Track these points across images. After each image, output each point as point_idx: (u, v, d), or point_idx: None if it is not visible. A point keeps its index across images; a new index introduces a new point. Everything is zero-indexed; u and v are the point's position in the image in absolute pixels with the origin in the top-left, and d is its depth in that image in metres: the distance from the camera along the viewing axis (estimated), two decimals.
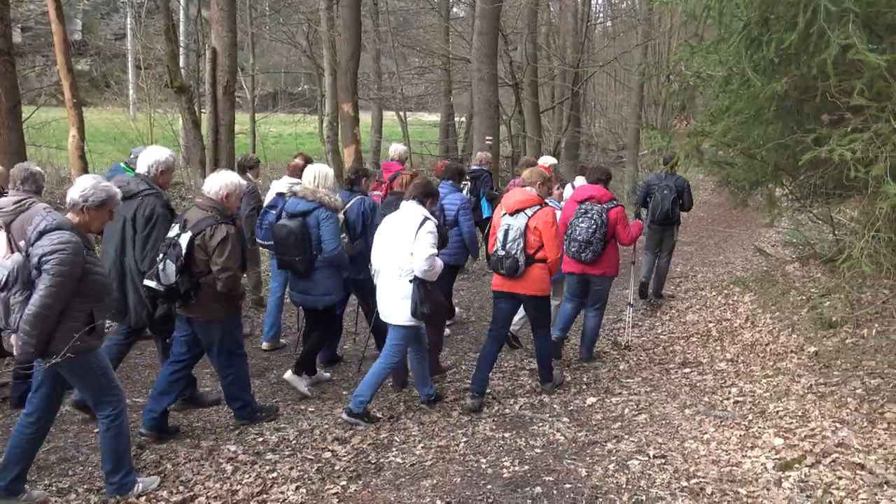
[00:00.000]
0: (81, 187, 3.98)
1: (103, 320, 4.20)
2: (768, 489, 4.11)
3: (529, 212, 5.44)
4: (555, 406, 5.67)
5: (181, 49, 16.17)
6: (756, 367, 6.16)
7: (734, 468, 4.41)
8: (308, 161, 6.92)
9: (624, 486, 4.25)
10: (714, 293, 9.11)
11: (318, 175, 5.70)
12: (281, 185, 6.69)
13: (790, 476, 4.22)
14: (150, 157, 5.23)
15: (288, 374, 5.91)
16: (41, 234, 3.84)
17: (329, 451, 4.89)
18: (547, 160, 9.09)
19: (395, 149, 9.04)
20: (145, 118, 15.30)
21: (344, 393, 6.00)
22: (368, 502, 4.20)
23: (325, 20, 15.91)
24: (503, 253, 5.46)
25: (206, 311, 4.85)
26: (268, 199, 6.80)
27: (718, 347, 6.91)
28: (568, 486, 4.29)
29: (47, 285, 3.75)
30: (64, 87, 9.84)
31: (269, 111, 24.12)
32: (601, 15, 27.97)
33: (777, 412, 5.15)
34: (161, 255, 4.71)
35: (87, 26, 31.69)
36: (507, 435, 5.10)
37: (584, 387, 6.12)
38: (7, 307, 3.86)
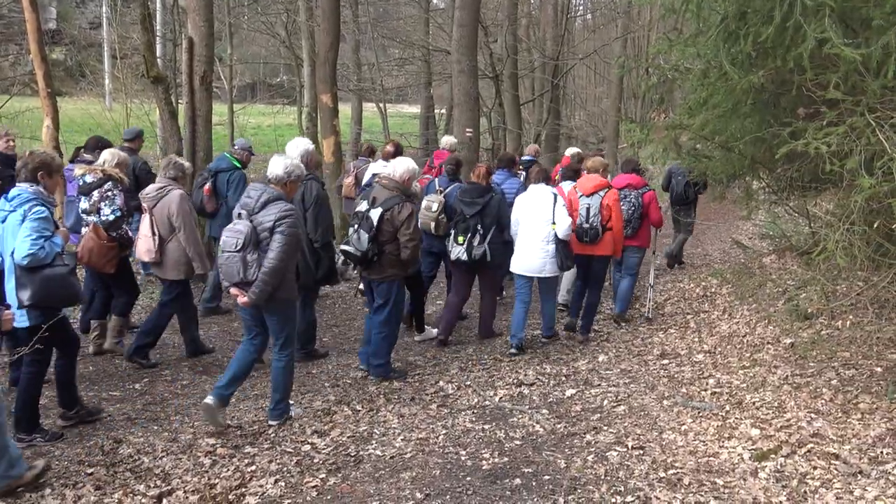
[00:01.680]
0: (284, 165, 4.93)
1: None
2: (745, 479, 4.15)
3: (602, 193, 6.97)
4: (534, 398, 5.69)
5: (158, 39, 15.96)
6: (733, 359, 6.22)
7: (711, 459, 4.45)
8: (398, 148, 8.50)
9: (602, 478, 4.27)
10: (692, 285, 9.19)
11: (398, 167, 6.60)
12: (377, 167, 7.96)
13: (766, 466, 4.27)
14: (300, 147, 6.29)
15: (417, 337, 7.36)
16: (265, 204, 4.76)
17: (308, 443, 4.87)
18: (572, 151, 10.65)
19: (447, 140, 10.32)
20: (121, 108, 15.11)
21: (326, 385, 5.99)
22: (348, 495, 4.19)
23: (304, 10, 15.79)
24: (587, 226, 6.91)
25: (384, 274, 5.84)
26: (366, 178, 8.06)
27: (696, 339, 6.97)
28: (547, 477, 4.31)
29: (283, 243, 4.70)
30: (38, 77, 9.69)
31: (248, 102, 23.91)
32: (581, 7, 28.04)
33: (754, 403, 5.20)
34: (355, 226, 5.73)
35: (61, 15, 31.21)
36: (486, 427, 5.11)
37: (564, 378, 6.15)
38: (245, 264, 4.67)
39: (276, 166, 4.91)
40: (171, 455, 4.65)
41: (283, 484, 4.30)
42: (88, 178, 6.18)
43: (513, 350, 6.76)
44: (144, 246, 6.14)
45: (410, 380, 6.15)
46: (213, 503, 4.09)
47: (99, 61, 23.34)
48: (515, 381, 6.06)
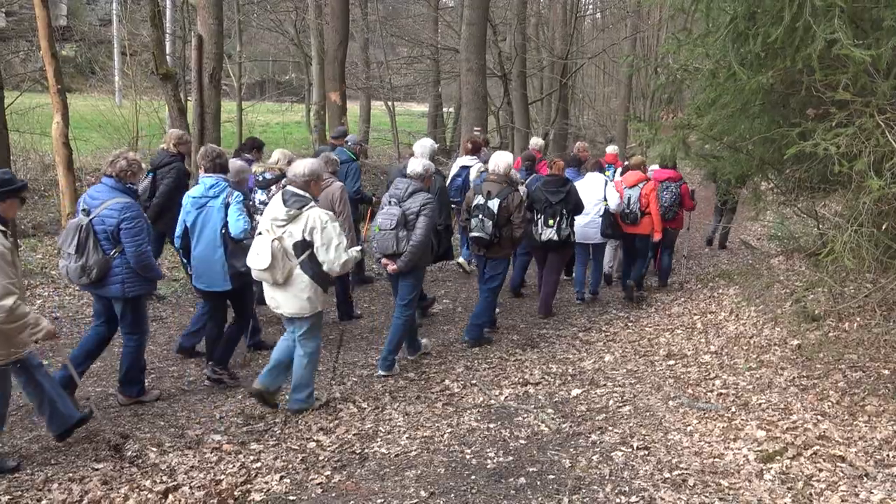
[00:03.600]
0: (423, 164, 6.17)
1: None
2: (750, 481, 4.15)
3: (642, 185, 8.62)
4: (540, 397, 5.69)
5: (167, 36, 15.99)
6: (740, 360, 6.20)
7: (716, 460, 4.44)
8: (476, 144, 9.74)
9: (607, 478, 4.27)
10: (699, 286, 9.17)
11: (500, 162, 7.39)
12: (464, 160, 9.29)
13: (772, 468, 4.26)
14: (426, 146, 7.53)
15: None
16: (411, 194, 5.98)
17: (314, 441, 4.88)
18: (612, 148, 12.11)
19: (535, 141, 11.49)
20: (131, 105, 15.13)
21: (331, 382, 6.00)
22: (352, 492, 4.20)
23: (313, 8, 15.82)
24: (629, 210, 8.53)
25: (500, 252, 6.96)
26: (453, 170, 9.30)
27: (703, 340, 6.95)
28: (552, 476, 4.31)
29: (426, 224, 5.93)
30: (48, 73, 9.70)
31: (257, 99, 23.87)
32: (590, 7, 27.97)
33: (760, 404, 5.19)
34: (479, 216, 6.77)
35: (72, 11, 31.26)
36: (491, 426, 5.11)
37: (569, 378, 6.14)
38: (397, 239, 5.90)
39: (416, 165, 6.19)
40: (177, 451, 4.67)
41: (288, 481, 4.32)
42: (268, 175, 7.09)
43: (578, 300, 8.77)
44: None
45: (416, 378, 6.16)
46: (219, 499, 4.11)
47: (109, 58, 23.32)
48: (521, 380, 6.06)
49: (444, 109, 25.13)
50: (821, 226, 8.16)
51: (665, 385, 5.87)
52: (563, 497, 4.05)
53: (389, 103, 21.19)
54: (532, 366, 6.45)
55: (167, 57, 13.31)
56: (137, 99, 14.49)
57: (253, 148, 8.20)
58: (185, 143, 7.80)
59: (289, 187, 5.08)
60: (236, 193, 5.68)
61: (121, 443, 4.72)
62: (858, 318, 6.10)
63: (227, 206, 5.58)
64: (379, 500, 4.09)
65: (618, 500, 4.01)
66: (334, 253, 4.97)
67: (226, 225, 5.56)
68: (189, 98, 11.12)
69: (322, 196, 6.80)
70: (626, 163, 9.85)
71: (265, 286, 5.17)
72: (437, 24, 21.99)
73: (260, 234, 5.08)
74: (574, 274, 9.09)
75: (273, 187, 7.04)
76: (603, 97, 31.52)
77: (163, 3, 16.70)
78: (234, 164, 6.21)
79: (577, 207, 7.83)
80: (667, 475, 4.27)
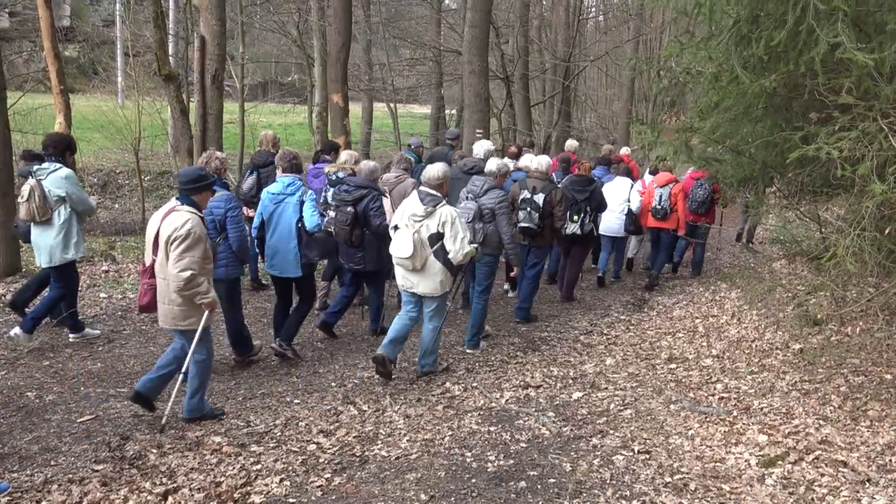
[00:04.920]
0: (497, 162, 7.07)
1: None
2: (751, 485, 4.13)
3: (671, 185, 9.50)
4: (540, 400, 5.68)
5: (170, 37, 16.00)
6: (741, 364, 6.19)
7: (718, 464, 4.43)
8: (520, 149, 10.92)
9: (608, 481, 4.26)
10: (701, 289, 9.15)
11: (542, 162, 8.03)
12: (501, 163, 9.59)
13: (773, 472, 4.24)
14: (484, 147, 8.75)
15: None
16: (486, 191, 6.69)
17: (314, 443, 4.87)
18: (626, 150, 13.09)
19: (571, 143, 12.60)
20: (134, 106, 15.14)
21: (332, 385, 5.99)
22: (353, 495, 4.19)
23: (316, 10, 15.81)
24: (659, 207, 9.47)
25: (543, 242, 7.78)
26: None
27: (704, 343, 6.94)
28: (552, 480, 4.29)
29: (506, 220, 6.66)
30: (51, 74, 9.74)
31: (259, 101, 23.88)
32: (593, 9, 27.98)
33: (761, 409, 5.18)
34: (527, 209, 7.57)
35: (75, 12, 31.30)
36: (492, 429, 5.10)
37: (570, 381, 6.13)
38: (474, 231, 6.52)
39: (492, 165, 7.06)
40: (177, 453, 4.66)
41: (288, 483, 4.31)
42: (340, 174, 7.40)
43: (600, 276, 9.93)
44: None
45: (416, 380, 6.14)
46: (219, 501, 4.10)
47: (112, 59, 23.32)
48: (522, 383, 6.05)
49: (447, 111, 25.10)
50: (823, 229, 8.15)
51: (666, 389, 5.85)
52: (564, 501, 4.04)
53: (392, 105, 21.18)
54: (533, 369, 6.44)
55: (170, 58, 13.32)
56: (140, 100, 14.48)
57: (331, 150, 9.21)
58: (279, 142, 8.61)
59: (422, 188, 5.94)
60: (310, 191, 6.43)
61: (120, 444, 4.72)
62: (861, 323, 6.08)
63: (302, 203, 6.29)
64: (379, 503, 4.08)
65: None
66: (459, 244, 5.79)
67: (300, 219, 6.24)
68: (192, 99, 11.12)
69: (396, 191, 7.57)
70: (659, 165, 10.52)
71: (401, 270, 5.97)
72: (439, 27, 21.97)
73: (396, 227, 5.94)
74: (599, 262, 10.22)
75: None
76: (605, 100, 31.48)
77: (166, 5, 16.72)
78: (368, 164, 7.04)
79: (601, 206, 8.70)
80: (668, 479, 4.26)
